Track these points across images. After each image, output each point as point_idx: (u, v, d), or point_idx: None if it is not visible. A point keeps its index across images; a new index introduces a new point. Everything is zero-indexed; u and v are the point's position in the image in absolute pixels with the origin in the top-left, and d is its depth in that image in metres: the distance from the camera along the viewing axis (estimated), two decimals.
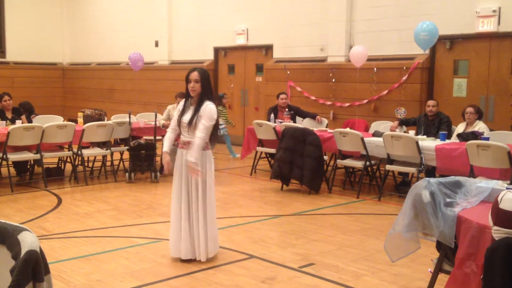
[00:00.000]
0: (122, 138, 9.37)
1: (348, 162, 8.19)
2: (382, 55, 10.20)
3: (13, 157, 8.02)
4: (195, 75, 5.04)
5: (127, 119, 9.14)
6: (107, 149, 8.89)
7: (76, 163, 8.86)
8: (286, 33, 11.93)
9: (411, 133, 7.84)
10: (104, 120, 9.10)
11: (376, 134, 8.11)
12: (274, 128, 9.04)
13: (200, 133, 4.93)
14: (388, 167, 7.67)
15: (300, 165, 7.94)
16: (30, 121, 9.16)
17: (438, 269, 3.82)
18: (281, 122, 9.23)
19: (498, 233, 3.05)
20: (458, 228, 3.48)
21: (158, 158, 9.37)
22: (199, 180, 5.01)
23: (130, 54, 12.40)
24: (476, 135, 7.20)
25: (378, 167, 8.48)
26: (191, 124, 4.98)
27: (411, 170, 7.49)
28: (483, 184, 3.87)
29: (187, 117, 5.02)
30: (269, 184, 8.77)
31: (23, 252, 2.19)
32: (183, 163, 5.04)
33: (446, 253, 3.72)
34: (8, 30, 16.73)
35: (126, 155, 9.22)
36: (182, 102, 5.17)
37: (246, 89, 12.99)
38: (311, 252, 5.38)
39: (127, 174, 8.85)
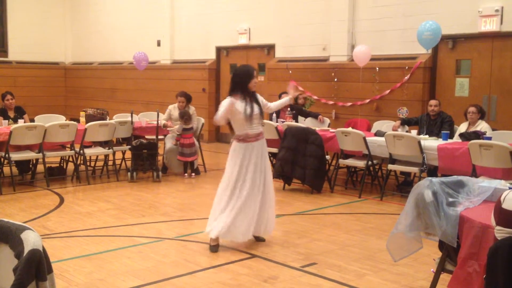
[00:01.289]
0: (124, 137, 9.37)
1: (350, 161, 8.18)
2: (384, 55, 10.19)
3: (15, 156, 8.03)
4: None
5: (129, 119, 9.15)
6: (109, 149, 8.90)
7: (78, 162, 8.86)
8: (288, 33, 11.93)
9: (413, 132, 7.83)
10: (106, 120, 9.11)
11: (378, 133, 8.10)
12: (276, 128, 9.03)
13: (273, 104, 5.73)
14: (390, 166, 7.67)
15: (302, 164, 7.94)
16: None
17: (441, 269, 3.82)
18: (283, 122, 9.22)
19: (500, 232, 3.04)
20: (461, 227, 3.48)
21: (160, 158, 9.38)
22: (267, 168, 5.50)
23: (134, 54, 12.42)
24: (478, 135, 7.18)
25: (380, 166, 8.48)
26: (262, 115, 5.49)
27: (413, 169, 7.48)
28: (486, 183, 3.87)
29: (256, 110, 5.39)
30: None
31: (26, 251, 2.20)
32: (258, 154, 5.42)
33: (449, 253, 3.71)
34: (11, 29, 16.73)
35: (128, 154, 9.22)
36: (229, 101, 5.31)
37: None
38: (313, 252, 5.38)
39: (129, 173, 8.85)
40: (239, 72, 5.50)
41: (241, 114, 5.30)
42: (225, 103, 5.33)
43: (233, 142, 5.48)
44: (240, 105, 5.31)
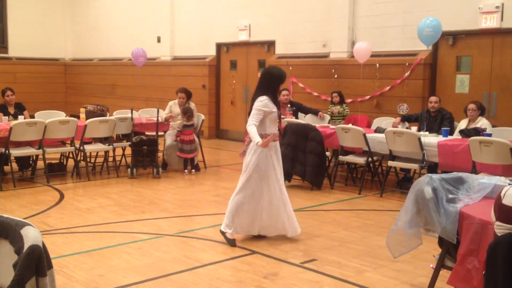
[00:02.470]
0: (124, 133, 9.36)
1: (350, 158, 8.18)
2: (384, 51, 10.18)
3: (15, 152, 8.03)
4: None
5: (129, 115, 9.15)
6: (109, 145, 8.89)
7: (78, 158, 8.87)
8: (289, 29, 11.92)
9: (413, 129, 7.83)
10: (106, 116, 9.10)
11: (378, 130, 8.10)
12: None
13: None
14: (390, 163, 7.66)
15: (302, 161, 7.94)
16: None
17: (440, 265, 3.82)
18: (283, 118, 9.21)
19: (500, 228, 3.04)
20: (460, 224, 3.48)
21: (160, 154, 9.39)
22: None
23: (132, 50, 12.42)
24: (478, 132, 7.18)
25: (380, 163, 8.48)
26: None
27: (413, 166, 7.48)
28: (486, 180, 3.87)
29: (279, 112, 5.52)
30: None
31: (26, 246, 2.20)
32: (277, 153, 5.51)
33: (448, 249, 3.72)
34: (11, 26, 16.72)
35: (128, 150, 9.22)
36: (266, 101, 5.32)
37: (249, 85, 12.98)
38: (313, 248, 5.39)
39: (129, 169, 8.86)
40: (275, 73, 5.48)
41: (275, 114, 5.41)
42: (263, 101, 5.32)
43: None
44: (271, 105, 5.38)
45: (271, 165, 5.45)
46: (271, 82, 5.44)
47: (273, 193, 5.48)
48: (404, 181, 8.18)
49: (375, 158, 7.96)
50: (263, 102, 5.33)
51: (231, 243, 5.41)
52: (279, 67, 5.75)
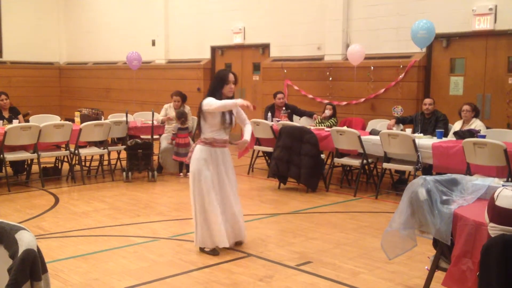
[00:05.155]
0: (119, 137, 9.35)
1: (345, 160, 8.20)
2: (378, 54, 10.22)
3: (10, 156, 8.01)
4: (234, 77, 5.31)
5: (124, 118, 9.14)
6: (104, 149, 8.88)
7: (73, 162, 8.85)
8: (283, 32, 11.94)
9: (408, 131, 7.85)
10: (101, 120, 9.09)
11: (373, 132, 8.12)
12: (271, 127, 9.05)
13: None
14: (385, 165, 7.68)
15: (297, 163, 7.95)
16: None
17: (435, 267, 3.84)
18: (278, 121, 9.24)
19: (494, 230, 3.06)
20: (455, 225, 3.50)
21: (155, 157, 9.38)
22: (230, 176, 5.43)
23: (128, 53, 12.39)
24: (472, 133, 7.21)
25: (375, 165, 8.49)
26: (232, 124, 5.37)
27: (408, 168, 7.50)
28: (479, 181, 3.89)
29: (230, 118, 5.30)
30: (266, 182, 8.78)
31: (20, 251, 2.20)
32: (225, 159, 5.34)
33: (443, 251, 3.73)
34: (5, 30, 16.69)
35: (123, 154, 9.21)
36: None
37: (243, 88, 13.00)
38: (308, 250, 5.39)
39: (124, 173, 8.84)
40: (216, 76, 5.42)
41: (219, 119, 5.21)
42: (212, 100, 5.15)
43: (198, 145, 5.33)
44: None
45: (216, 168, 5.26)
46: (214, 86, 5.32)
47: (229, 197, 5.35)
48: (399, 183, 8.20)
49: (370, 160, 7.98)
50: (210, 100, 5.16)
51: (215, 252, 5.24)
52: (223, 70, 5.71)
